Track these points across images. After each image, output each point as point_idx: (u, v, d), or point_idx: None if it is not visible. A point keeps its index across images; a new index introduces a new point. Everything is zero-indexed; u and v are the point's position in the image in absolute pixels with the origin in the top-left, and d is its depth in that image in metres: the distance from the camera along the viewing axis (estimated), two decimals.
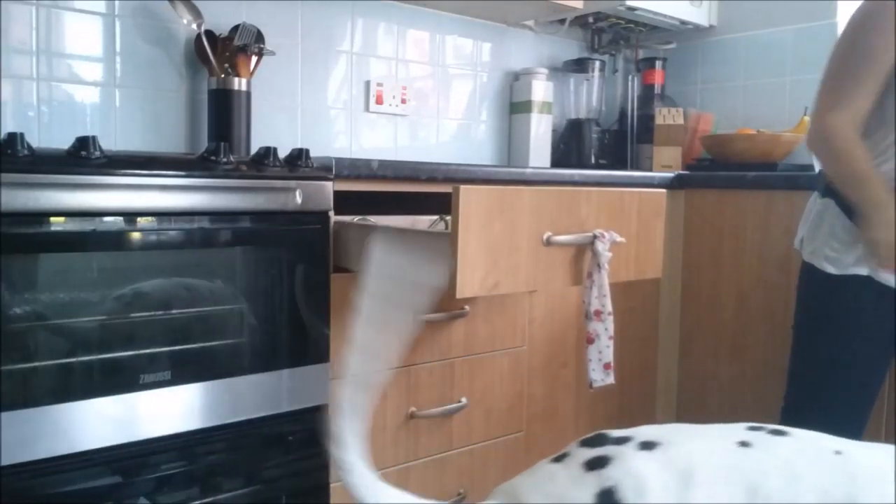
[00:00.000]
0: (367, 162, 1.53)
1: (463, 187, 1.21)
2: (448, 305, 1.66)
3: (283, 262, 1.39)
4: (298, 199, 1.39)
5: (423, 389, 1.65)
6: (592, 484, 0.69)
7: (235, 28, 1.86)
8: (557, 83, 2.65)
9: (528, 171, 1.85)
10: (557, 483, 0.72)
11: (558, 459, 0.75)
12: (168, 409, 1.26)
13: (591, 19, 2.67)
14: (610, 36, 2.84)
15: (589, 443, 0.75)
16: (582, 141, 2.65)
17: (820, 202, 1.56)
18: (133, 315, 1.23)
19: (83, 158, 1.18)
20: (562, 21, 2.63)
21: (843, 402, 1.55)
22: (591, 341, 1.43)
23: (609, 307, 1.39)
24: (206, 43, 1.82)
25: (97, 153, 1.19)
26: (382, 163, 1.54)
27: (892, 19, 1.44)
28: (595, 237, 1.36)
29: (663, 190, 1.57)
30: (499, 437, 1.81)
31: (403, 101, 2.34)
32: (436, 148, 2.44)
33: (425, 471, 1.67)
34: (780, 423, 1.57)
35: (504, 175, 1.76)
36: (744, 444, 0.71)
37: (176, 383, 1.27)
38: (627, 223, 1.46)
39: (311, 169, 1.42)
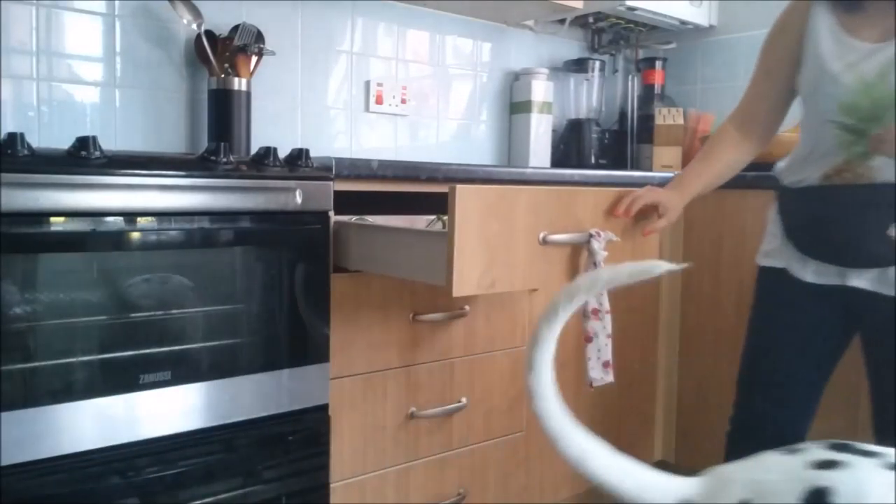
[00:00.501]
0: (367, 162, 1.53)
1: (459, 187, 1.23)
2: (448, 305, 1.66)
3: (283, 262, 1.39)
4: (298, 199, 1.39)
5: (423, 389, 1.65)
6: (807, 480, 0.67)
7: (235, 28, 1.86)
8: (557, 83, 2.65)
9: (528, 171, 1.85)
10: (769, 471, 0.69)
11: (791, 451, 0.72)
12: (168, 409, 1.26)
13: (591, 19, 2.67)
14: (610, 36, 2.84)
15: (834, 447, 0.72)
16: (582, 141, 2.65)
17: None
18: (133, 315, 1.23)
19: (83, 158, 1.18)
20: (562, 21, 2.63)
21: (773, 395, 1.56)
22: (589, 340, 1.43)
23: (606, 305, 1.40)
24: (206, 43, 1.82)
25: (97, 153, 1.19)
26: (382, 163, 1.55)
27: (778, 25, 1.53)
28: (591, 236, 1.37)
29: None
30: (499, 437, 1.81)
31: (403, 101, 2.34)
32: (436, 148, 2.44)
33: (425, 471, 1.67)
34: (732, 416, 1.62)
35: (504, 175, 1.76)
36: None
37: (176, 383, 1.27)
38: (624, 222, 1.47)
39: (311, 169, 1.42)
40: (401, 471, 1.62)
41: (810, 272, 1.47)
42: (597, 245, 1.37)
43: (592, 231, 1.38)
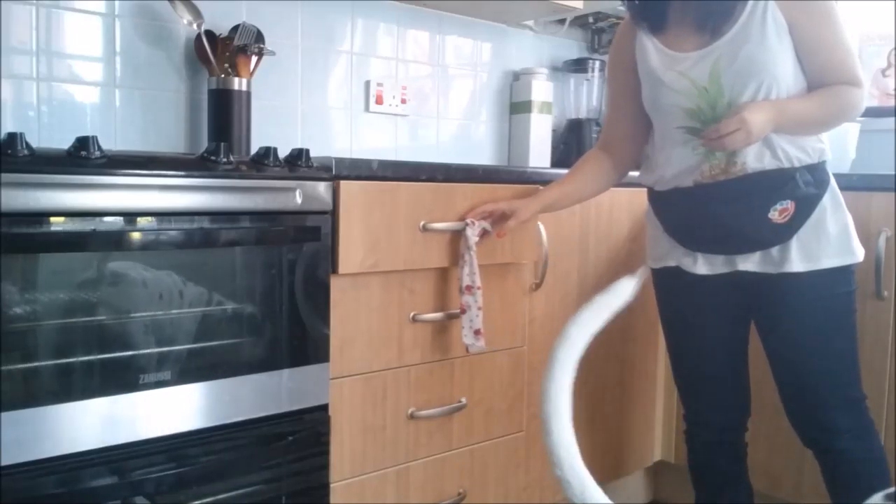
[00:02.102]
0: (367, 162, 1.53)
1: (343, 182, 1.43)
2: (448, 305, 1.66)
3: (283, 262, 1.39)
4: (298, 199, 1.39)
5: (423, 389, 1.65)
6: None
7: (235, 28, 1.86)
8: (557, 83, 2.65)
9: (529, 170, 1.85)
10: None
11: None
12: (168, 409, 1.26)
13: (591, 19, 2.67)
14: (610, 36, 2.84)
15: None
16: (582, 141, 2.65)
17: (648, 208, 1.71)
18: (133, 315, 1.23)
19: (83, 158, 1.18)
20: (562, 21, 2.64)
21: (702, 389, 1.68)
22: (463, 311, 1.61)
23: (478, 283, 1.59)
24: (206, 43, 1.82)
25: (97, 153, 1.19)
26: (382, 163, 1.55)
27: (612, 54, 1.70)
28: (466, 225, 1.59)
29: (538, 186, 1.72)
30: (499, 437, 1.80)
31: (403, 101, 2.34)
32: (436, 148, 2.44)
33: (425, 471, 1.67)
34: (683, 414, 1.74)
35: (504, 175, 1.76)
36: None
37: (176, 383, 1.27)
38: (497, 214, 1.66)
39: (311, 169, 1.42)
40: (401, 471, 1.62)
41: (701, 265, 1.55)
42: (470, 232, 1.58)
43: (468, 220, 1.60)
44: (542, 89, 2.55)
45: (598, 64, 2.70)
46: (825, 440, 1.53)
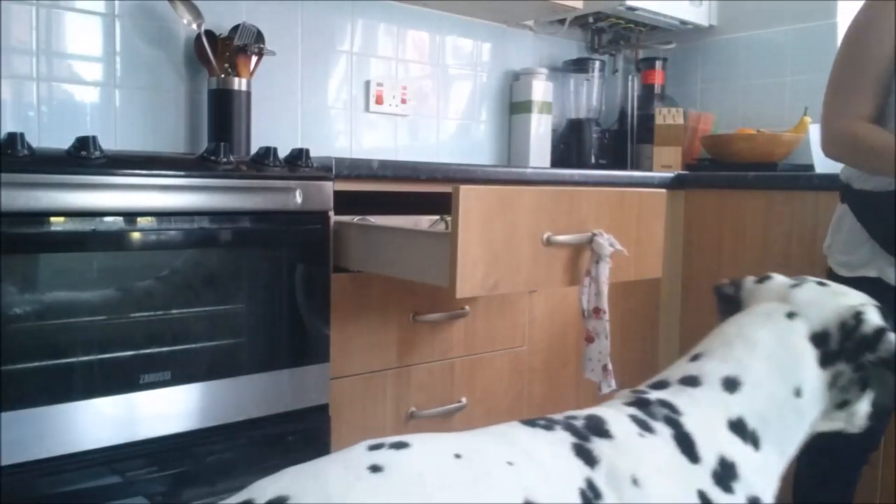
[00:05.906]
0: (367, 162, 1.53)
1: (463, 187, 1.22)
2: (448, 305, 1.65)
3: (283, 262, 1.39)
4: (298, 199, 1.39)
5: (423, 389, 1.65)
6: None
7: (235, 28, 1.86)
8: (557, 83, 2.65)
9: (528, 171, 1.85)
10: None
11: None
12: (168, 409, 1.26)
13: (591, 19, 2.66)
14: (610, 36, 2.84)
15: None
16: (582, 141, 2.65)
17: (840, 208, 1.54)
18: (133, 315, 1.23)
19: (83, 158, 1.18)
20: (562, 21, 2.63)
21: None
22: (590, 341, 1.41)
23: (605, 306, 1.38)
24: (206, 43, 1.82)
25: (97, 153, 1.19)
26: (382, 163, 1.54)
27: (886, 17, 1.44)
28: (594, 235, 1.36)
29: (663, 190, 1.58)
30: None
31: (403, 101, 2.34)
32: (436, 148, 2.44)
33: None
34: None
35: (504, 175, 1.76)
36: (375, 468, 0.73)
37: (176, 383, 1.27)
38: (627, 223, 1.47)
39: (311, 169, 1.42)
40: None
41: None
42: (602, 241, 1.34)
43: (595, 231, 1.37)
44: (541, 89, 2.55)
45: (597, 64, 2.70)
46: None
